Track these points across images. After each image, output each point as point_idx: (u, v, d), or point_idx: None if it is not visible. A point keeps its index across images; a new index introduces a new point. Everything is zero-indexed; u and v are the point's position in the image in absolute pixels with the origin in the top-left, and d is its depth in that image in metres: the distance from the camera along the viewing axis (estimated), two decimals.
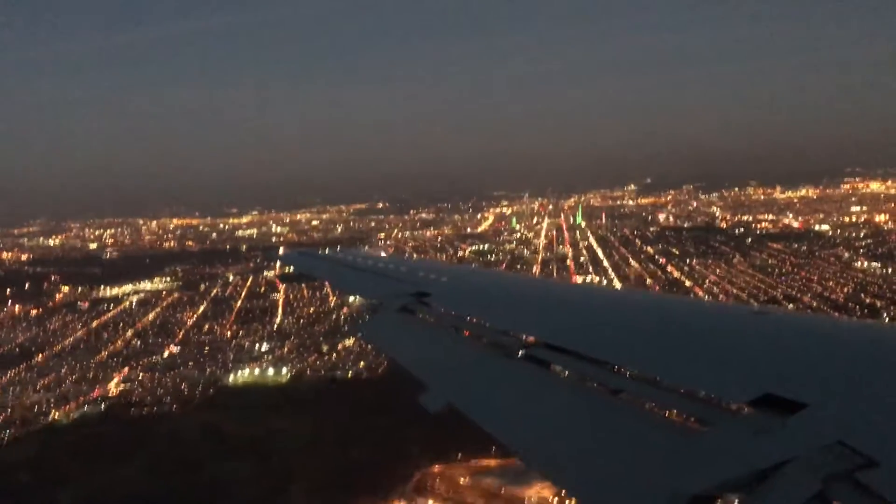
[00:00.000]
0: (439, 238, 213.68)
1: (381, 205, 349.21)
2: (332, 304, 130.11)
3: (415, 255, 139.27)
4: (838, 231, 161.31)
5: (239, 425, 67.69)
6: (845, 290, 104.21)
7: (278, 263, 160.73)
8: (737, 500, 2.67)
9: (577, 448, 3.72)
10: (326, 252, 15.42)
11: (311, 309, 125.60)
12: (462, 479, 56.25)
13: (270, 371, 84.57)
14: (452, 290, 8.32)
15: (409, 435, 64.30)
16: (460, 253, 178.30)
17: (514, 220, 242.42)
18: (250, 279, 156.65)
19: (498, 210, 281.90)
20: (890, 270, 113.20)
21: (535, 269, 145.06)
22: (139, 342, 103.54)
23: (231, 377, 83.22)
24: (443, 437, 63.48)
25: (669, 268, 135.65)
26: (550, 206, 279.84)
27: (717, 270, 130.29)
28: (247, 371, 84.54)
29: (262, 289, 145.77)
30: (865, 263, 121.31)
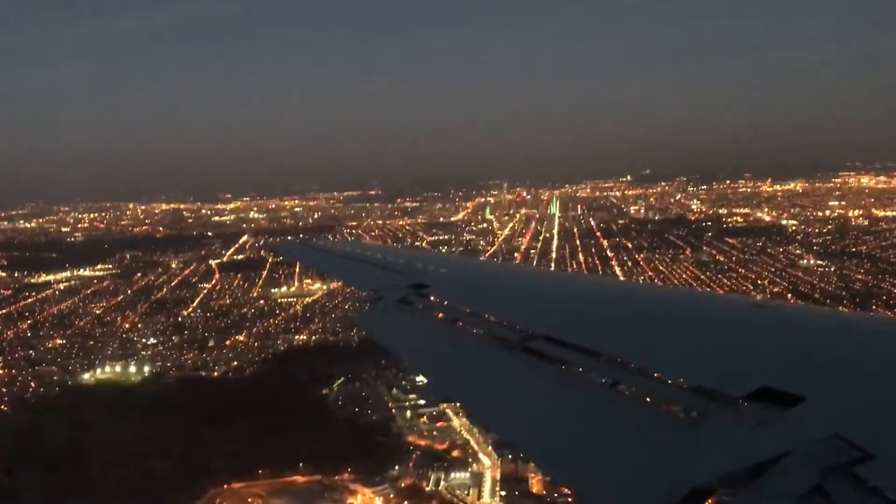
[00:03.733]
0: (406, 227, 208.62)
1: (373, 192, 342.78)
2: (254, 296, 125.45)
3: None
4: (803, 226, 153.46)
5: (58, 430, 62.85)
6: (776, 289, 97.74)
7: (229, 251, 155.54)
8: (735, 493, 2.65)
9: (574, 441, 3.69)
10: (327, 243, 15.27)
11: (229, 300, 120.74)
12: (254, 499, 50.87)
13: (132, 369, 79.63)
14: (451, 281, 8.07)
15: (228, 446, 59.28)
16: (417, 243, 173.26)
17: (487, 210, 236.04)
18: (192, 267, 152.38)
19: (481, 200, 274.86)
20: (832, 269, 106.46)
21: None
22: (29, 334, 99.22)
23: (88, 375, 78.43)
24: (259, 450, 58.41)
25: (614, 262, 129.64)
26: (529, 197, 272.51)
27: (660, 266, 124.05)
28: (108, 368, 79.67)
29: (196, 278, 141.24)
30: (812, 261, 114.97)
